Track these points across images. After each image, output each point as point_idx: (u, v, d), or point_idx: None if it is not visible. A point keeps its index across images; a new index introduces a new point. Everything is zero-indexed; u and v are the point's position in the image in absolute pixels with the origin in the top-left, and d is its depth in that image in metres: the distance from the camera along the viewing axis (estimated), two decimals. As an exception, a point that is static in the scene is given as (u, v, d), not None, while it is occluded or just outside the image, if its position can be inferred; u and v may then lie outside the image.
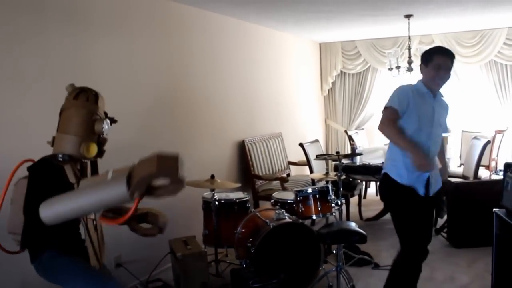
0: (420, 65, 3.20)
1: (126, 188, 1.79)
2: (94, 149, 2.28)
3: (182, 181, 1.83)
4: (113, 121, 2.42)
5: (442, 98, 3.27)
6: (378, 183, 3.45)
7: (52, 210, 1.93)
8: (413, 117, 3.08)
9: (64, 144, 2.27)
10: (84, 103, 2.29)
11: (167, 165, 1.80)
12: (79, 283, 2.37)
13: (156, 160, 1.79)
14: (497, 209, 3.22)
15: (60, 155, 2.23)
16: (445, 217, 5.27)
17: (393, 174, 3.11)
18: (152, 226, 2.62)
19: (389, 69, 6.83)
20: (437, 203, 5.39)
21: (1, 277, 3.04)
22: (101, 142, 2.36)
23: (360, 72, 8.27)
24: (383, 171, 3.22)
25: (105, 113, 2.41)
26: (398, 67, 6.68)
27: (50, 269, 2.38)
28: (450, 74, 3.16)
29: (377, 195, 6.74)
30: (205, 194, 4.38)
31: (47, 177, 2.24)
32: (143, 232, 2.60)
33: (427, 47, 3.68)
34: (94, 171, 2.49)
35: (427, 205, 3.15)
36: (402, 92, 3.13)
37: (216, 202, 4.15)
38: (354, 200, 6.11)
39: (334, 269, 3.82)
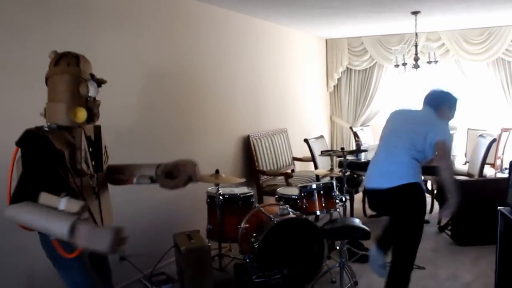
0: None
1: (68, 236, 1.92)
2: (82, 113, 2.25)
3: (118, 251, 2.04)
4: (101, 82, 2.36)
5: None
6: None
7: (13, 217, 2.07)
8: None
9: (54, 113, 2.26)
10: (65, 68, 2.26)
11: (103, 241, 1.91)
12: (77, 277, 2.34)
13: (96, 235, 1.93)
14: (502, 207, 3.21)
15: (45, 126, 2.20)
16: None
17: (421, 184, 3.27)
18: (179, 177, 2.55)
19: (395, 66, 6.81)
20: (442, 201, 5.40)
21: (8, 268, 3.07)
22: (90, 105, 2.30)
23: (366, 69, 8.24)
24: (412, 181, 3.22)
25: (92, 75, 2.35)
26: (404, 64, 6.65)
27: (51, 253, 2.30)
28: None
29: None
30: (209, 188, 4.40)
31: (35, 148, 2.15)
32: (171, 186, 2.54)
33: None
34: (98, 137, 2.47)
35: None
36: None
37: (221, 197, 4.16)
38: (358, 196, 6.11)
39: (337, 265, 3.83)
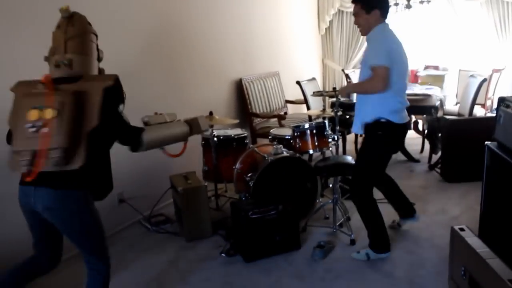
0: None
1: (188, 131, 2.69)
2: None
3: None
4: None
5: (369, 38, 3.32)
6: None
7: (149, 138, 2.47)
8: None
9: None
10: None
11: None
12: (93, 246, 2.44)
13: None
14: (488, 142, 3.28)
15: None
16: (439, 153, 5.38)
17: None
18: None
19: (387, 6, 6.73)
20: (432, 139, 5.50)
21: (18, 212, 3.15)
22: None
23: (358, 11, 8.13)
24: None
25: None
26: (396, 4, 6.60)
27: (75, 213, 2.33)
28: (358, 20, 3.29)
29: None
30: (204, 131, 4.44)
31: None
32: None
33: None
34: None
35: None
36: None
37: (215, 139, 4.22)
38: (350, 137, 6.20)
39: (330, 201, 3.95)
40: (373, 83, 3.14)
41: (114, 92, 2.28)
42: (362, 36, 8.05)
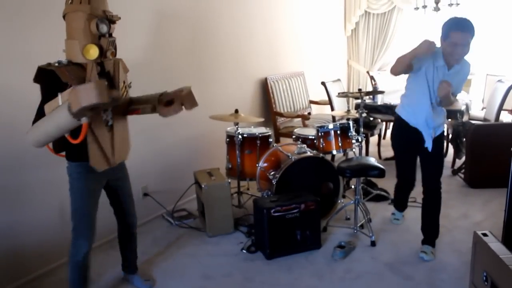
0: (440, 37, 3.23)
1: (68, 114, 2.12)
2: (94, 50, 2.34)
3: (108, 99, 2.14)
4: (114, 19, 2.43)
5: (459, 66, 3.28)
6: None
7: (32, 138, 2.32)
8: (420, 78, 3.32)
9: (70, 50, 2.38)
10: (77, 5, 2.32)
11: (90, 94, 2.07)
12: (72, 212, 2.63)
13: (80, 92, 2.07)
14: (515, 149, 3.26)
15: (56, 61, 2.34)
16: (463, 158, 5.34)
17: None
18: (174, 104, 2.69)
19: (415, 8, 6.70)
20: (456, 144, 5.46)
21: (44, 202, 3.25)
22: (102, 43, 2.38)
23: (384, 13, 8.09)
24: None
25: (104, 12, 2.40)
26: (424, 7, 6.55)
27: (70, 180, 2.60)
28: (469, 48, 3.16)
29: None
30: (228, 128, 4.50)
31: (45, 82, 2.34)
32: (164, 113, 2.68)
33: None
34: (115, 71, 2.57)
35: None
36: (426, 52, 3.31)
37: (240, 136, 4.27)
38: (373, 140, 6.19)
39: (352, 202, 3.96)
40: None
41: None
42: (387, 39, 8.03)
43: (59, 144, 2.54)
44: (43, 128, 2.27)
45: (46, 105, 2.27)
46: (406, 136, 3.56)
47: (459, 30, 3.08)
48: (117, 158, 2.67)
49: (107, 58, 2.45)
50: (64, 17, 2.39)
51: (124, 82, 2.64)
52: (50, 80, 2.29)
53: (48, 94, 2.30)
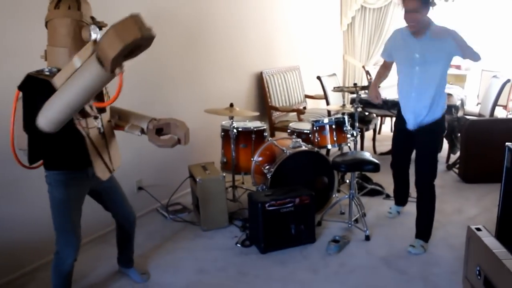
0: None
1: (101, 68, 1.84)
2: None
3: (150, 32, 1.85)
4: (101, 26, 2.34)
5: (432, 36, 3.27)
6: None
7: (45, 117, 2.02)
8: (396, 60, 3.60)
9: (55, 58, 2.26)
10: (66, 11, 2.22)
11: (130, 29, 1.78)
12: (54, 223, 2.52)
13: (119, 30, 1.77)
14: (509, 143, 3.26)
15: (47, 69, 2.22)
16: (458, 153, 5.35)
17: None
18: (169, 137, 2.62)
19: (411, 3, 6.67)
20: (451, 139, 5.47)
21: (35, 193, 3.23)
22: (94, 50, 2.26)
23: (381, 7, 8.08)
24: None
25: (92, 18, 2.33)
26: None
27: (49, 190, 2.48)
28: (421, 14, 3.21)
29: (391, 131, 6.79)
30: (223, 122, 4.49)
31: (36, 92, 2.17)
32: (158, 144, 2.59)
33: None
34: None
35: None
36: (388, 39, 3.70)
37: (235, 130, 4.26)
38: (368, 134, 6.20)
39: (346, 196, 3.97)
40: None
41: None
42: (383, 33, 8.02)
43: (36, 152, 2.37)
44: (63, 99, 1.98)
45: (57, 77, 2.05)
46: (400, 121, 3.67)
47: None
48: (114, 165, 2.64)
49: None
50: (46, 22, 2.29)
51: (105, 88, 2.53)
52: (41, 90, 2.14)
53: (36, 104, 2.08)
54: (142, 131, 2.64)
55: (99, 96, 2.48)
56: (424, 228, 3.57)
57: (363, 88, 4.45)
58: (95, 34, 2.28)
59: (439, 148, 3.63)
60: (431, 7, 3.28)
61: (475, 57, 3.19)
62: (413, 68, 3.38)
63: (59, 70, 2.19)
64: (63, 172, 2.44)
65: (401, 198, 4.17)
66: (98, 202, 2.85)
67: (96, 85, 1.95)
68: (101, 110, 2.51)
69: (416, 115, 3.47)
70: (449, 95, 5.62)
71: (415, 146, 3.59)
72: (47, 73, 2.21)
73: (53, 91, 2.06)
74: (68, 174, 2.44)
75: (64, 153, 2.37)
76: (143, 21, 1.82)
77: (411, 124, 3.52)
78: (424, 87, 3.39)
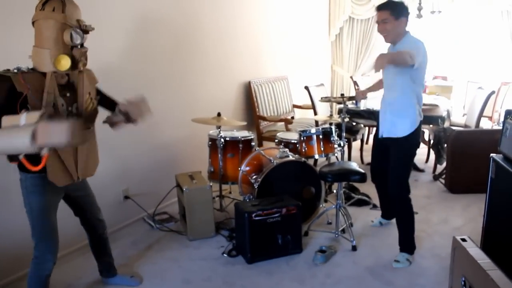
0: None
1: (30, 143, 1.90)
2: (66, 61, 2.25)
3: (81, 143, 2.12)
4: (87, 30, 2.33)
5: (401, 45, 3.38)
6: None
7: None
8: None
9: (38, 58, 2.26)
10: (50, 13, 2.22)
11: (62, 134, 1.91)
12: (34, 228, 2.50)
13: (55, 128, 1.92)
14: (494, 154, 3.29)
15: (15, 68, 2.22)
16: (444, 163, 5.39)
17: None
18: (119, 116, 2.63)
19: (398, 15, 6.74)
20: (438, 149, 5.51)
21: (19, 201, 3.18)
22: (74, 53, 2.29)
23: (368, 18, 8.14)
24: None
25: (79, 21, 2.31)
26: (407, 14, 6.59)
27: (25, 194, 2.47)
28: (392, 25, 3.33)
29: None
30: (211, 131, 4.48)
31: None
32: (110, 121, 2.63)
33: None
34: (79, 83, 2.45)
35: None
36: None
37: (222, 140, 4.25)
38: (356, 144, 6.23)
39: (333, 206, 3.97)
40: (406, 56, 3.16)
41: None
42: (371, 44, 8.09)
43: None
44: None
45: (5, 118, 2.04)
46: (377, 131, 3.73)
47: (376, 10, 3.41)
48: (81, 174, 2.56)
49: (78, 69, 2.36)
50: (33, 22, 2.28)
51: (89, 94, 2.51)
52: (4, 87, 2.15)
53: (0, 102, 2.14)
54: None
55: (75, 98, 2.45)
56: (405, 241, 3.55)
57: (351, 98, 4.47)
58: (78, 38, 2.27)
59: (409, 162, 3.57)
60: (408, 20, 3.39)
61: (406, 59, 3.19)
62: (385, 78, 3.58)
63: (31, 69, 2.26)
64: (38, 176, 2.39)
65: (385, 211, 4.17)
66: (70, 207, 2.83)
67: (20, 151, 2.01)
68: (79, 114, 2.46)
69: (382, 125, 3.58)
70: (435, 106, 5.68)
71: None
72: (15, 71, 2.22)
73: (13, 89, 2.13)
74: (43, 178, 2.40)
75: (37, 155, 2.28)
76: (78, 129, 1.97)
77: (380, 133, 3.61)
78: (389, 98, 3.53)
